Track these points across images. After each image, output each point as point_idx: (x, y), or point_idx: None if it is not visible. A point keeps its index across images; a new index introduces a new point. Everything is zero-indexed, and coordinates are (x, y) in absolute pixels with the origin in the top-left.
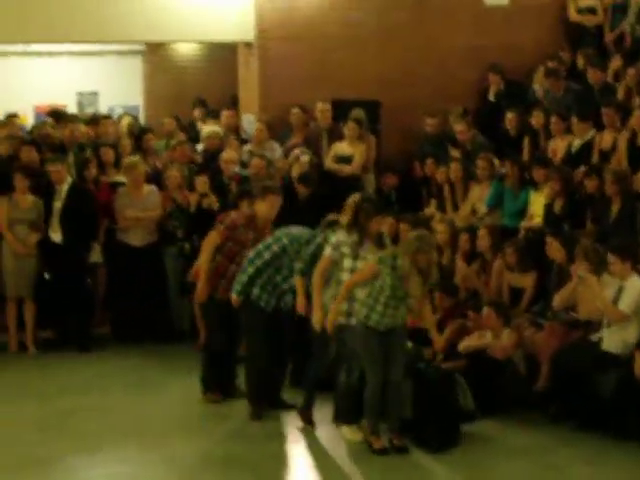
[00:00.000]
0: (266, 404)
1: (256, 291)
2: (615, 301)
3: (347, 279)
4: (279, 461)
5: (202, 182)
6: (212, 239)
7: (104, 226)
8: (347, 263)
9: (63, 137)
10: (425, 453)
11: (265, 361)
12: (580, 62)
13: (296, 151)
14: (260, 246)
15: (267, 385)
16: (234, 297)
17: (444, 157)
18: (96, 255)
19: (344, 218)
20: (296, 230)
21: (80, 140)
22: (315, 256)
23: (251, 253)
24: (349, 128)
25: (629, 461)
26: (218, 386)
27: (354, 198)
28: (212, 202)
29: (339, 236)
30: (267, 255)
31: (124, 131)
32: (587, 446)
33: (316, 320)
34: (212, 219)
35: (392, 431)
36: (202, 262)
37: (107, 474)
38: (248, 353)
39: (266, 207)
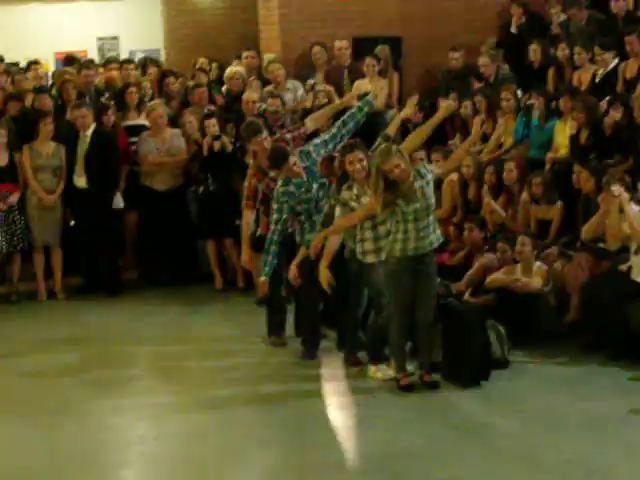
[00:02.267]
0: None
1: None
2: None
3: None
4: (310, 400)
5: (211, 125)
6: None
7: (125, 171)
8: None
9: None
10: (456, 388)
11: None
12: None
13: (310, 81)
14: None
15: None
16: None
17: (467, 91)
18: (120, 201)
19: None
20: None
21: (97, 85)
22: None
23: None
24: (367, 64)
25: None
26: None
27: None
28: (224, 144)
29: (344, 195)
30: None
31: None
32: (619, 376)
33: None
34: (226, 161)
35: (422, 368)
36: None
37: (140, 417)
38: (306, 295)
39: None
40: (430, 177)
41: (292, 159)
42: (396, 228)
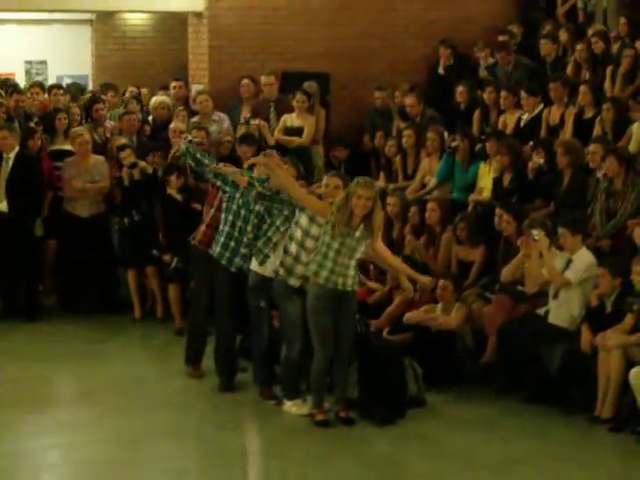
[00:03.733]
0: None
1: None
2: (563, 273)
3: (300, 237)
4: (225, 432)
5: (126, 156)
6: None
7: (48, 198)
8: (303, 220)
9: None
10: (371, 425)
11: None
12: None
13: (245, 114)
14: None
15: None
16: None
17: (393, 130)
18: (39, 229)
19: None
20: None
21: (26, 109)
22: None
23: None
24: (297, 100)
25: (574, 434)
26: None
27: None
28: (144, 167)
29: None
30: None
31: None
32: (533, 418)
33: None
34: (148, 189)
35: (338, 404)
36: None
37: (56, 443)
38: (221, 326)
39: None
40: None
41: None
42: (318, 250)
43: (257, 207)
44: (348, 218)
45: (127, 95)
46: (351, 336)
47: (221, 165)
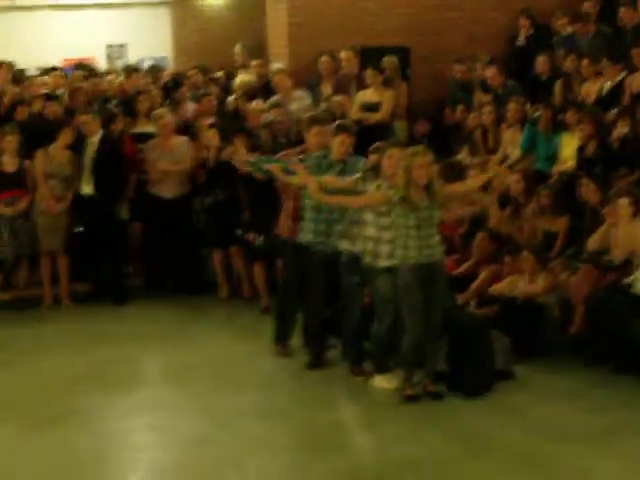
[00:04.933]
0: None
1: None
2: None
3: (373, 219)
4: (315, 410)
5: (211, 136)
6: None
7: (133, 180)
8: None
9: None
10: (459, 398)
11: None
12: None
13: (326, 91)
14: None
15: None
16: None
17: (474, 103)
18: (124, 212)
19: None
20: None
21: (104, 93)
22: None
23: None
24: (368, 76)
25: None
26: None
27: None
28: (229, 153)
29: (370, 187)
30: None
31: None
32: (622, 389)
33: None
34: (233, 170)
35: (427, 377)
36: None
37: (144, 424)
38: (311, 304)
39: (313, 137)
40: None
41: None
42: (398, 234)
43: None
44: (415, 190)
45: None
46: (441, 309)
47: (281, 172)
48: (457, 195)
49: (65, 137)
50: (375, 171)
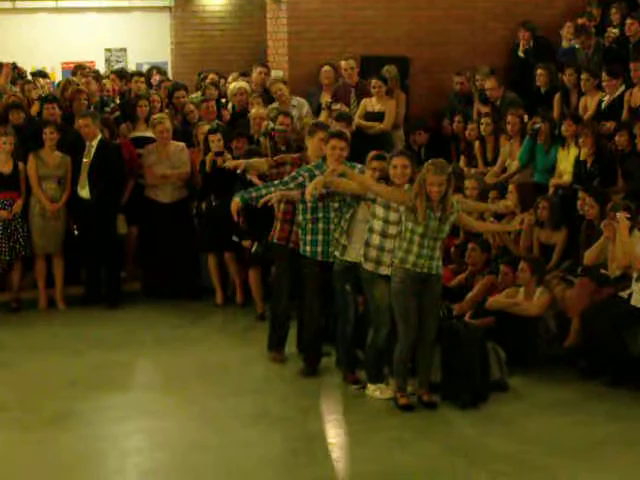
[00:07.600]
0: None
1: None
2: None
3: (380, 227)
4: (308, 417)
5: (216, 140)
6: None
7: (130, 185)
8: (379, 211)
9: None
10: (453, 408)
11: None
12: (615, 16)
13: (326, 99)
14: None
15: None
16: None
17: (473, 114)
18: (121, 226)
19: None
20: None
21: (102, 96)
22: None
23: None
24: (374, 85)
25: None
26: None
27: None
28: (226, 159)
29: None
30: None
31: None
32: (617, 402)
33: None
34: (229, 177)
35: (421, 387)
36: None
37: (136, 428)
38: (308, 312)
39: (314, 144)
40: (453, 217)
41: None
42: (403, 236)
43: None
44: (426, 202)
45: (207, 82)
46: (435, 320)
47: (273, 194)
48: (470, 227)
49: (49, 138)
50: (385, 180)
